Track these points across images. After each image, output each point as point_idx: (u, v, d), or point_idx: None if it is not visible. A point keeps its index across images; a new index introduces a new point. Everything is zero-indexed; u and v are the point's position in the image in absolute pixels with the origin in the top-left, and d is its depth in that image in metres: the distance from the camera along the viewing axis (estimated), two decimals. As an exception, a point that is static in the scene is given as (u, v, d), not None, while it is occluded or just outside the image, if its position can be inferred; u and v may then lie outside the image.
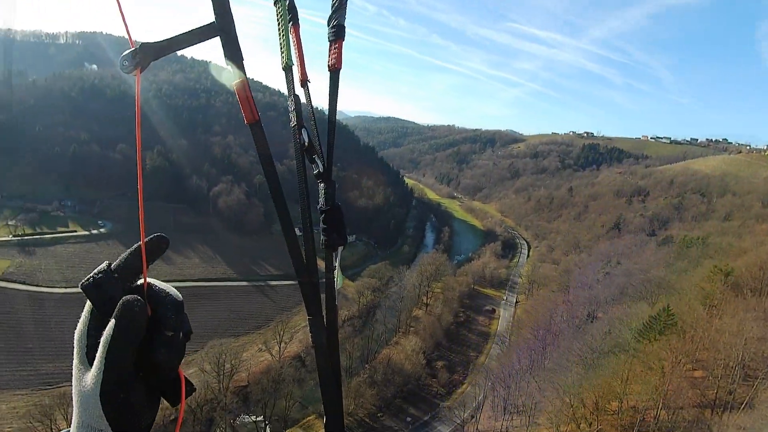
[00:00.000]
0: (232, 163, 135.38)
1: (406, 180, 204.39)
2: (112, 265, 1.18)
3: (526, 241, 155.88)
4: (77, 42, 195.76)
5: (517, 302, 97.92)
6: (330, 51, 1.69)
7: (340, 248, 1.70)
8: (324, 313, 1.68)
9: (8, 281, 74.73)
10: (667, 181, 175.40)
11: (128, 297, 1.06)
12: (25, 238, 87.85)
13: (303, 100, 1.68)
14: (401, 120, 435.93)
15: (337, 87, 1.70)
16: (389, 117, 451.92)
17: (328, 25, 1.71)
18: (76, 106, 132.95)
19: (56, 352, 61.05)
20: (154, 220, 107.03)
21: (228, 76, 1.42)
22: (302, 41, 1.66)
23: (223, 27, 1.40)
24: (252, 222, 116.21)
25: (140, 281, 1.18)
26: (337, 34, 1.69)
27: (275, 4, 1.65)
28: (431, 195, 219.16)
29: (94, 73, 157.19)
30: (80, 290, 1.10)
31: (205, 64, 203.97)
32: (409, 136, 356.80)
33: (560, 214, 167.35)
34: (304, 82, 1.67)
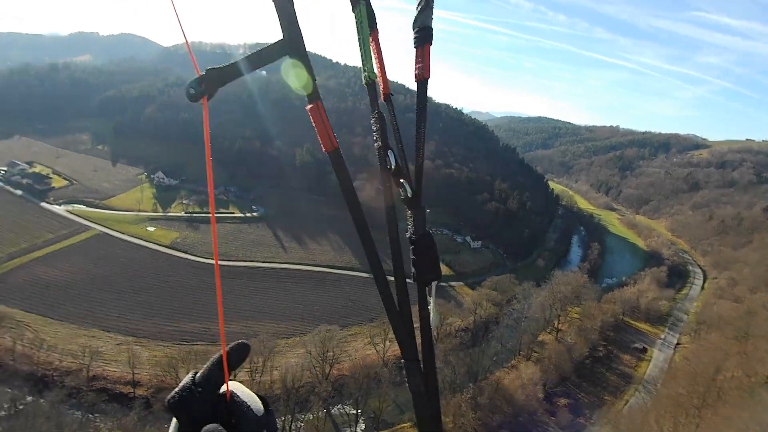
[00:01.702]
0: (368, 162, 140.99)
1: (553, 185, 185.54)
2: (196, 378, 1.21)
3: (702, 270, 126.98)
4: (248, 51, 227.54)
5: (677, 344, 79.05)
6: (416, 58, 1.54)
7: (434, 283, 1.58)
8: (420, 356, 1.53)
9: (175, 249, 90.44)
10: None
11: (209, 428, 1.11)
12: (194, 215, 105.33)
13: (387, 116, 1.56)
14: (553, 120, 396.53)
15: (426, 99, 1.57)
16: (540, 117, 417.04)
17: (413, 29, 1.54)
18: (246, 106, 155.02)
19: (197, 315, 71.03)
20: (299, 209, 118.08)
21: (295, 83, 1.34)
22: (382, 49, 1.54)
23: (292, 45, 1.36)
24: (382, 217, 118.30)
25: (224, 389, 1.23)
26: (423, 38, 1.53)
27: (353, 9, 1.52)
28: (583, 204, 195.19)
29: (262, 78, 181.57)
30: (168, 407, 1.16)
31: (355, 70, 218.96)
32: (561, 137, 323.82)
33: (751, 240, 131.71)
34: (387, 96, 1.60)
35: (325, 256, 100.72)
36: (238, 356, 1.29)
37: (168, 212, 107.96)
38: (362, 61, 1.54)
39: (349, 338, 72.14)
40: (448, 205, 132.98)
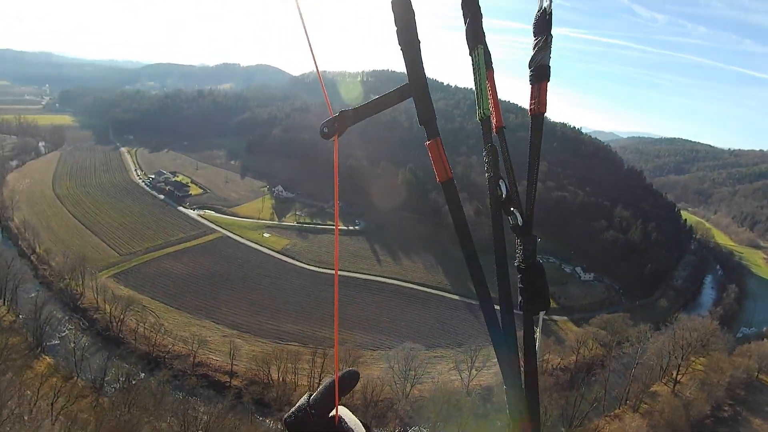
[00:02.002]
0: (470, 181, 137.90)
1: (686, 215, 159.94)
2: (311, 400, 1.38)
3: None
4: (370, 79, 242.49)
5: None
6: (531, 94, 1.62)
7: (542, 313, 1.60)
8: (523, 385, 1.56)
9: (284, 255, 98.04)
10: None
11: None
12: (304, 225, 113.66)
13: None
14: (689, 141, 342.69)
15: (541, 133, 1.62)
16: (674, 138, 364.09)
17: (530, 67, 1.63)
18: (359, 128, 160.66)
19: (296, 317, 75.54)
20: (396, 225, 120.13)
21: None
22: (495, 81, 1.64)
23: (416, 91, 1.52)
24: (477, 240, 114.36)
25: (333, 413, 1.39)
26: (540, 76, 1.61)
27: (470, 52, 1.62)
28: (722, 239, 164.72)
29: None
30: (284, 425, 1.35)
31: (464, 92, 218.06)
32: (698, 161, 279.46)
33: None
34: (500, 129, 1.68)
35: (417, 273, 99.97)
36: (348, 383, 1.44)
37: (282, 221, 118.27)
38: (477, 98, 1.63)
39: (433, 360, 69.79)
40: (557, 231, 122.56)
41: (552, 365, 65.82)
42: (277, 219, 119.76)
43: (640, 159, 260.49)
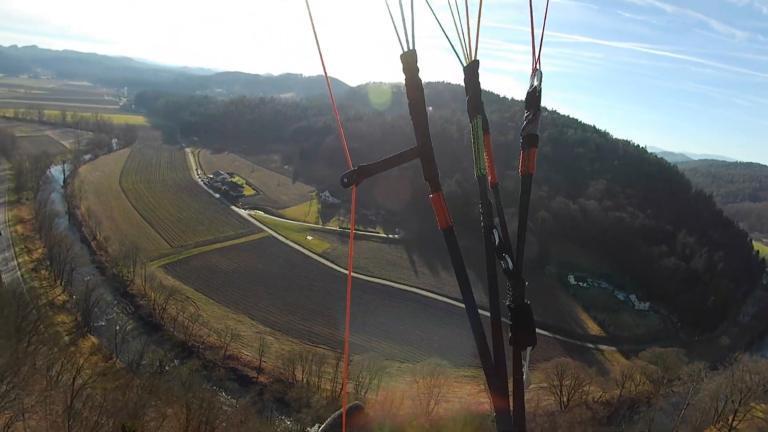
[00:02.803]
0: (518, 198, 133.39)
1: (759, 247, 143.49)
2: (319, 430, 1.55)
3: None
4: (425, 91, 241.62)
5: None
6: (522, 157, 1.88)
7: (529, 348, 1.80)
8: (512, 414, 1.75)
9: (324, 258, 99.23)
10: None
11: None
12: (346, 230, 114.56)
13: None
14: None
15: (530, 190, 1.89)
16: (750, 163, 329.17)
17: (521, 134, 1.91)
18: (407, 139, 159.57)
19: (328, 320, 75.62)
20: (438, 238, 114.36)
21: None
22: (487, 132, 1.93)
23: (424, 153, 1.77)
24: (523, 257, 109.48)
25: None
26: (530, 143, 1.89)
27: (471, 120, 1.92)
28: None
29: (427, 113, 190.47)
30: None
31: (521, 104, 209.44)
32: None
33: None
34: (494, 186, 1.92)
35: (456, 288, 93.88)
36: (353, 417, 1.60)
37: (326, 225, 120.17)
38: (475, 160, 1.86)
39: (463, 379, 67.14)
40: (612, 254, 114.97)
41: (592, 398, 60.89)
42: (321, 223, 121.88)
43: (711, 183, 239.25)
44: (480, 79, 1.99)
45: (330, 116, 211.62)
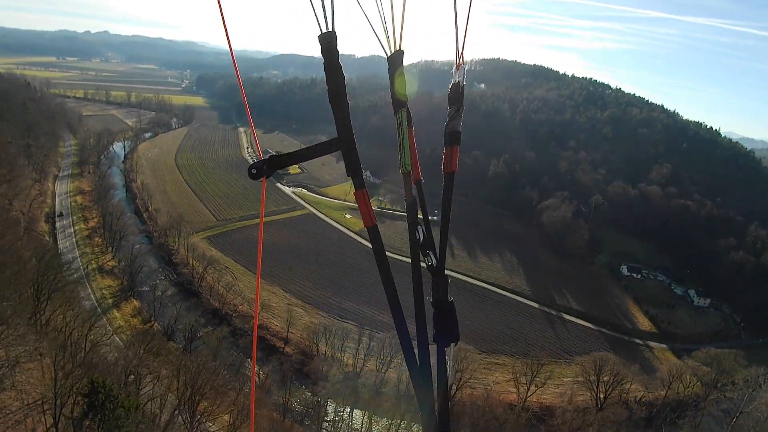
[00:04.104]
0: (574, 179, 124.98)
1: None
2: None
3: None
4: (479, 68, 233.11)
5: None
6: (444, 155, 1.89)
7: (453, 344, 1.82)
8: (436, 411, 1.73)
9: (360, 236, 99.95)
10: None
11: None
12: (384, 210, 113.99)
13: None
14: None
15: (452, 188, 1.91)
16: None
17: (445, 130, 1.92)
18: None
19: (358, 297, 75.59)
20: (479, 219, 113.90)
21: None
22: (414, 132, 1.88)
23: (345, 146, 1.73)
24: (572, 244, 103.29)
25: None
26: (453, 140, 1.92)
27: (395, 114, 1.86)
28: None
29: (479, 92, 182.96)
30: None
31: (582, 81, 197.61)
32: None
33: None
34: (418, 182, 1.90)
35: (494, 273, 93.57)
36: None
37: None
38: (400, 155, 1.83)
39: (492, 366, 64.77)
40: (673, 245, 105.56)
41: (633, 397, 56.41)
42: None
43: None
44: (404, 70, 1.87)
45: (377, 96, 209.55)
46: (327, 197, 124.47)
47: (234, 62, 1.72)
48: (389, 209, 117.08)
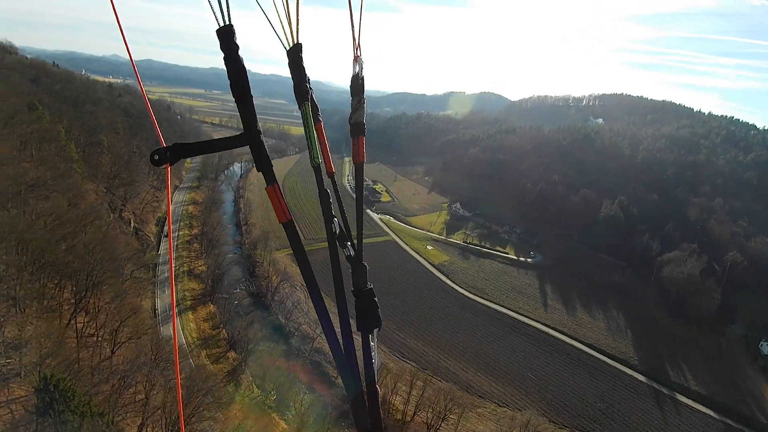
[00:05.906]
0: (705, 229, 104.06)
1: None
2: None
3: None
4: (598, 103, 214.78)
5: None
6: (352, 147, 1.95)
7: (376, 330, 1.86)
8: (365, 395, 1.80)
9: (439, 271, 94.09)
10: None
11: None
12: (469, 245, 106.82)
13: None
14: None
15: (362, 178, 1.98)
16: None
17: (350, 122, 1.98)
18: (563, 152, 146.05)
19: (425, 336, 70.13)
20: (583, 267, 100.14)
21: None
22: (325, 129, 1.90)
23: (251, 140, 1.75)
24: (698, 308, 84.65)
25: None
26: (358, 131, 1.97)
27: (299, 107, 1.89)
28: None
29: (594, 127, 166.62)
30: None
31: (721, 119, 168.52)
32: None
33: None
34: (331, 175, 1.92)
35: (594, 333, 79.90)
36: None
37: (450, 238, 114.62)
38: (309, 148, 1.85)
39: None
40: None
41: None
42: (445, 234, 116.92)
43: None
44: (304, 63, 1.91)
45: (480, 129, 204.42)
46: (412, 226, 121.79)
47: (138, 79, 1.87)
48: (475, 245, 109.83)
